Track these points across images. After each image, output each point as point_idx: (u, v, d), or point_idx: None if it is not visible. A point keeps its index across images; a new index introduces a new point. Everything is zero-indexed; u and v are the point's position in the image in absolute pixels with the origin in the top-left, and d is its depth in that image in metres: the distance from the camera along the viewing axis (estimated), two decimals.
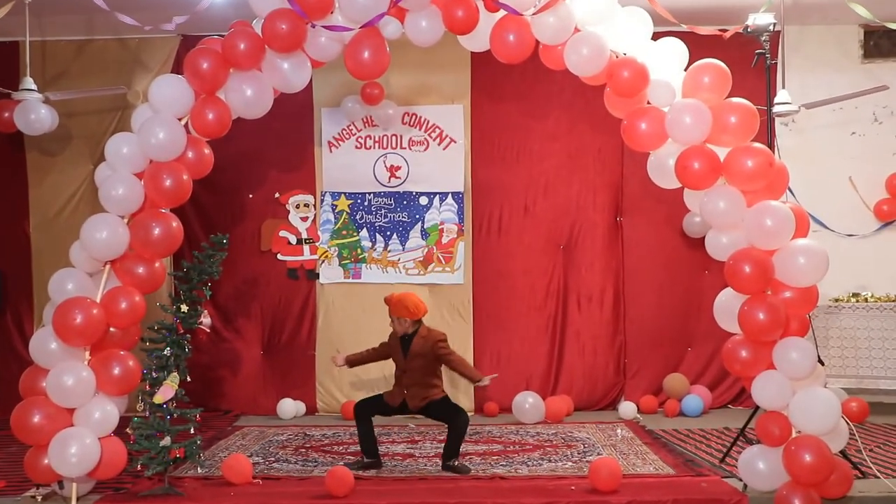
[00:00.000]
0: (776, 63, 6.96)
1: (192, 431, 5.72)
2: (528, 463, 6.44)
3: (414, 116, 8.94)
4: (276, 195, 8.97)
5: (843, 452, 5.51)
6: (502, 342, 8.83)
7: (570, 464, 6.39)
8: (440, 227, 8.88)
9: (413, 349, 6.29)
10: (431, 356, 6.30)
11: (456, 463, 6.21)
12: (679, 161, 5.31)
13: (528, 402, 8.17)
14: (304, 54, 5.57)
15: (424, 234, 8.88)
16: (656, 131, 5.43)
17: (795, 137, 8.82)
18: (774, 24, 6.63)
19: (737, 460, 5.58)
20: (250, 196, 9.00)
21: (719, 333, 5.63)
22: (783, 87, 7.30)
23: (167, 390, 5.55)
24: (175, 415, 5.64)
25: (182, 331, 5.73)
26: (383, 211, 8.92)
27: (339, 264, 8.93)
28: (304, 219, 8.97)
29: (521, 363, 8.84)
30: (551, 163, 8.98)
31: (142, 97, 8.47)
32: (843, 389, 7.98)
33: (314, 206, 8.98)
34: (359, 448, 6.45)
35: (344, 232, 8.95)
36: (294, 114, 8.74)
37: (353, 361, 6.80)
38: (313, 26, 5.38)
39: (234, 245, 7.88)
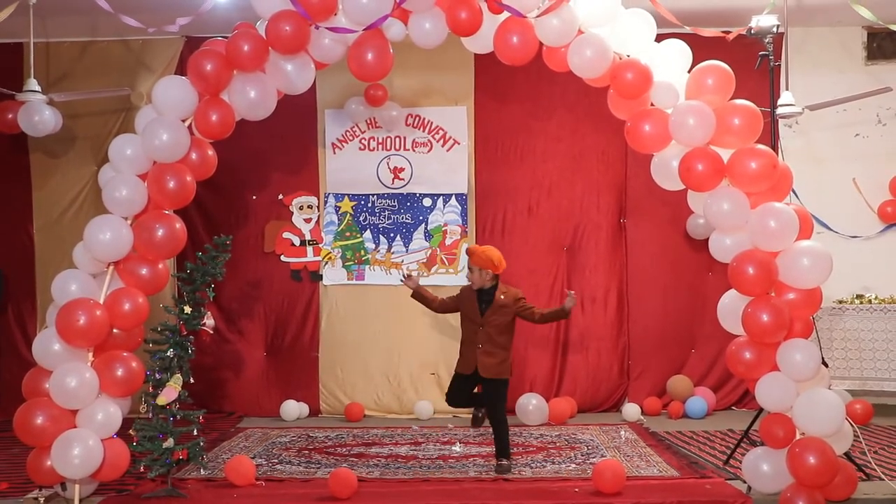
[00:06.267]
0: (779, 65, 6.95)
1: (195, 433, 5.71)
2: (532, 465, 6.43)
3: (417, 118, 8.94)
4: (280, 197, 8.97)
5: (847, 454, 5.50)
6: None
7: (573, 466, 6.39)
8: (444, 229, 8.88)
9: (494, 303, 6.27)
10: (510, 312, 6.30)
11: (504, 462, 6.20)
12: (683, 163, 5.30)
13: (531, 404, 8.16)
14: (307, 56, 5.57)
15: (428, 235, 8.88)
16: (660, 133, 5.42)
17: (799, 139, 8.82)
18: (778, 26, 6.62)
19: (741, 462, 5.57)
20: (254, 197, 9.00)
21: (723, 335, 5.63)
22: (787, 89, 7.29)
23: (170, 392, 5.55)
24: (178, 416, 5.64)
25: (185, 332, 5.73)
26: (387, 212, 8.92)
27: (343, 266, 8.94)
28: (308, 220, 8.97)
29: (524, 365, 8.82)
30: (555, 164, 8.97)
31: (145, 99, 8.49)
32: (847, 391, 7.97)
33: (318, 207, 8.98)
34: (363, 451, 6.42)
35: (347, 233, 8.95)
36: (298, 115, 8.74)
37: (420, 294, 6.60)
38: (317, 28, 5.38)
39: (238, 246, 7.90)
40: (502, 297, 6.29)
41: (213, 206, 8.94)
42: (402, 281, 6.75)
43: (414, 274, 6.70)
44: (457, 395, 6.53)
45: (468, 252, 6.46)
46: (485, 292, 6.32)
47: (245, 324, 9.00)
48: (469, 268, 6.39)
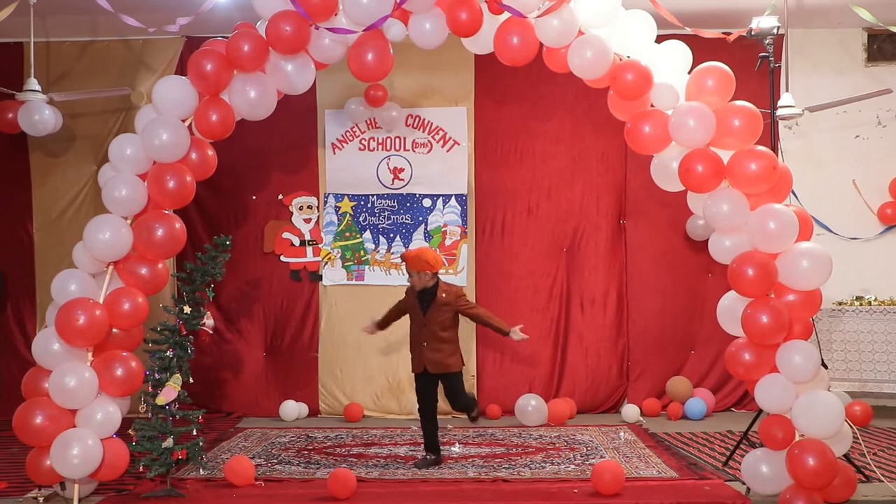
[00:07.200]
0: (780, 66, 6.95)
1: (194, 433, 5.72)
2: (531, 466, 6.43)
3: (417, 118, 8.94)
4: (280, 197, 8.97)
5: (846, 456, 5.50)
6: (505, 344, 8.81)
7: (572, 467, 6.39)
8: (443, 230, 8.88)
9: (435, 302, 6.39)
10: (452, 309, 6.42)
11: (475, 413, 6.57)
12: (682, 164, 5.31)
13: (530, 405, 8.16)
14: (307, 56, 5.57)
15: (427, 236, 8.87)
16: (660, 134, 5.42)
17: (799, 141, 8.82)
18: (778, 28, 6.62)
19: (740, 464, 5.57)
20: (253, 198, 9.00)
21: (722, 336, 5.63)
22: (787, 91, 7.29)
23: (170, 392, 5.55)
24: (177, 416, 5.64)
25: (185, 332, 5.73)
26: (386, 213, 8.92)
27: (342, 266, 8.93)
28: (308, 220, 8.97)
29: (523, 366, 8.84)
30: (554, 165, 8.97)
31: (145, 98, 8.48)
32: (847, 393, 7.98)
33: (317, 207, 8.98)
34: (362, 451, 6.42)
35: (347, 234, 8.95)
36: (298, 115, 8.74)
37: (382, 323, 6.77)
38: (317, 28, 5.38)
39: (238, 247, 7.90)
40: (444, 295, 6.42)
41: (213, 206, 8.94)
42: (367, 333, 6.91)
43: (368, 325, 6.82)
44: (426, 405, 6.53)
45: (402, 258, 6.62)
46: (427, 292, 6.44)
47: (244, 324, 8.99)
48: (407, 272, 6.49)
